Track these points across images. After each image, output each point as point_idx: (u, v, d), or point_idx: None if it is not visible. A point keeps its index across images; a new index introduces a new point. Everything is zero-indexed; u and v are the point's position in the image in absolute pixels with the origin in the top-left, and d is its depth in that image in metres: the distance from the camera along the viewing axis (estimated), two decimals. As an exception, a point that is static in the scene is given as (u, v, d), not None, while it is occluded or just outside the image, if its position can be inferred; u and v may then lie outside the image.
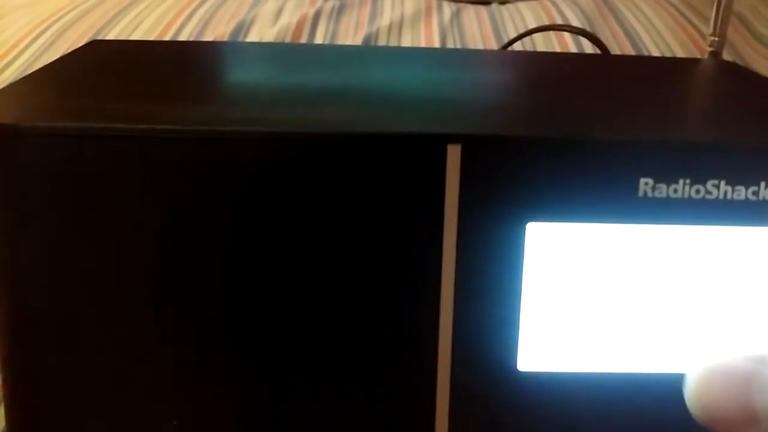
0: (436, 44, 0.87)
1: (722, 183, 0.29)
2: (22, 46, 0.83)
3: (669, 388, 0.30)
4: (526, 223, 0.29)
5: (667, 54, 0.86)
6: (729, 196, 0.29)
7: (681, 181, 0.29)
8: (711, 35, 0.46)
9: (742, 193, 0.29)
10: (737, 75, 0.43)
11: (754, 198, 0.29)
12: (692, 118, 0.33)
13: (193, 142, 0.28)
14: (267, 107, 0.32)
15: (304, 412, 0.30)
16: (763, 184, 0.29)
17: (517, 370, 0.30)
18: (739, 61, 0.87)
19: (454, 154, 0.28)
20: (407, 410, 0.31)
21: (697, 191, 0.29)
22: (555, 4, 0.97)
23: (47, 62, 0.78)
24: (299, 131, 0.28)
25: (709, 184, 0.29)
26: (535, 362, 0.30)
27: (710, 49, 0.46)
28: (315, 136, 0.28)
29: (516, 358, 0.30)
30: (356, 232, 0.29)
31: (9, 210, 0.29)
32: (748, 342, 0.30)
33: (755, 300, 0.30)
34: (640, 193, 0.29)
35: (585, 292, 0.30)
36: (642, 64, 0.45)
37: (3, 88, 0.33)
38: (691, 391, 0.25)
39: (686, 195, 0.29)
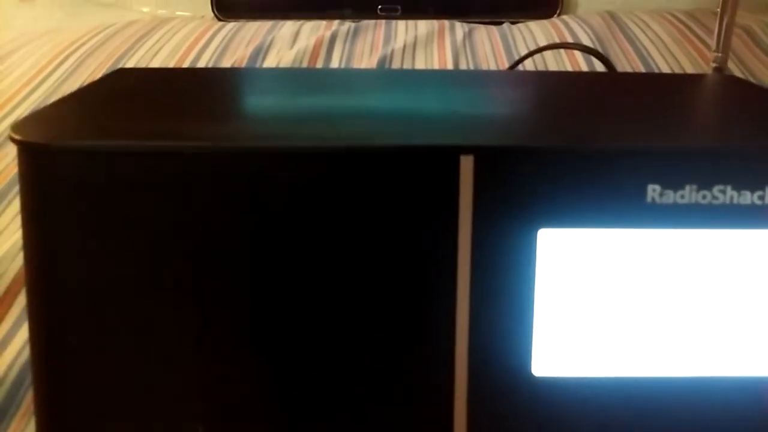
0: (449, 64, 0.88)
1: (728, 188, 0.29)
2: (45, 73, 0.84)
3: (681, 391, 0.31)
4: (537, 230, 0.30)
5: (676, 69, 0.86)
6: (735, 200, 0.30)
7: (688, 187, 0.29)
8: (714, 51, 0.47)
9: (747, 197, 0.30)
10: (740, 88, 0.43)
11: (759, 202, 0.30)
12: (697, 127, 0.34)
13: (214, 158, 0.29)
14: (285, 125, 0.33)
15: (324, 416, 0.31)
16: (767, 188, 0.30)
17: (533, 374, 0.31)
18: (748, 75, 0.88)
19: (466, 164, 0.29)
20: (425, 416, 0.31)
21: (704, 196, 0.29)
22: (566, 24, 0.98)
23: (70, 88, 0.79)
24: (317, 145, 0.29)
25: (716, 189, 0.29)
26: (549, 367, 0.31)
27: (714, 64, 0.47)
28: (333, 150, 0.29)
29: (531, 363, 0.31)
30: (373, 242, 0.30)
31: (43, 226, 0.30)
32: (761, 341, 0.31)
33: (763, 302, 0.30)
34: (648, 199, 0.29)
35: (596, 296, 0.30)
36: (648, 79, 0.46)
37: (35, 112, 0.34)
38: None
39: (693, 200, 0.29)
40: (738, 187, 0.29)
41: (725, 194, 0.29)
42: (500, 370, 0.31)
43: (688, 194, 0.29)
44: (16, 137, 0.29)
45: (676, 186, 0.29)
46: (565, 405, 0.31)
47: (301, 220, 0.29)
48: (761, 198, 0.30)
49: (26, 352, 0.48)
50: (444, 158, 0.29)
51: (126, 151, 0.29)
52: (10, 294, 0.53)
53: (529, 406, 0.31)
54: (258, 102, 0.38)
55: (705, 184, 0.29)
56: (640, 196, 0.29)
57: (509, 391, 0.31)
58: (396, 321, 0.30)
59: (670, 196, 0.29)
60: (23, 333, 0.50)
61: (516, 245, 0.30)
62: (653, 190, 0.29)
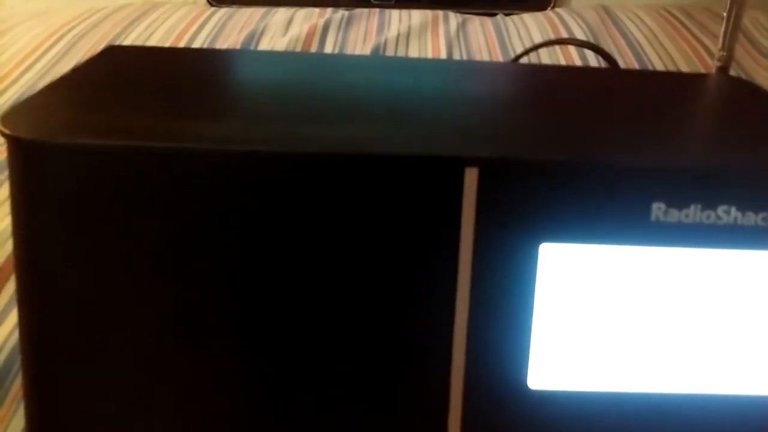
0: (443, 55, 0.88)
1: (733, 209, 0.29)
2: (36, 55, 0.84)
3: (676, 408, 0.31)
4: (539, 244, 0.30)
5: (669, 64, 0.87)
6: (739, 221, 0.30)
7: (692, 206, 0.29)
8: (720, 50, 0.47)
9: (751, 218, 0.30)
10: (746, 92, 0.43)
11: (763, 224, 0.30)
12: (703, 142, 0.34)
13: (210, 159, 0.29)
14: (287, 125, 0.32)
15: (321, 427, 0.31)
16: None
17: (528, 387, 0.31)
18: (741, 73, 0.88)
19: (471, 176, 0.29)
20: (421, 427, 0.31)
21: (708, 216, 0.29)
22: (559, 16, 0.98)
23: (61, 71, 0.78)
24: (318, 151, 0.29)
25: (720, 209, 0.29)
26: (545, 380, 0.31)
27: (718, 64, 0.47)
28: (334, 155, 0.29)
29: (527, 376, 0.31)
30: (375, 250, 0.30)
31: (30, 223, 0.29)
32: (759, 361, 0.31)
33: (763, 322, 0.31)
34: (653, 217, 0.29)
35: (596, 312, 0.30)
36: (652, 79, 0.46)
37: (23, 101, 0.33)
38: None
39: (697, 219, 0.29)
40: (742, 208, 0.30)
41: (729, 215, 0.30)
42: (496, 381, 0.31)
43: (693, 213, 0.29)
44: (6, 131, 0.29)
45: (681, 205, 0.29)
46: (559, 418, 0.32)
47: (300, 226, 0.29)
48: (765, 219, 0.30)
49: (14, 338, 0.48)
50: (449, 169, 0.29)
51: (118, 150, 0.28)
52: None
53: (524, 418, 0.31)
54: (254, 94, 0.38)
55: (709, 204, 0.29)
56: (645, 214, 0.29)
57: (504, 403, 0.31)
58: (394, 330, 0.30)
59: (675, 215, 0.29)
60: (11, 319, 0.49)
61: (517, 259, 0.30)
62: (658, 209, 0.29)
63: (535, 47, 0.73)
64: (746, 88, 0.44)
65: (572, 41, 0.79)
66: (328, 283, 0.30)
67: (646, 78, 0.47)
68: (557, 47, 0.88)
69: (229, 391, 0.31)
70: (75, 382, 0.31)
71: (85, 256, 0.29)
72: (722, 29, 0.48)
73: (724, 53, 0.48)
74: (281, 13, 0.96)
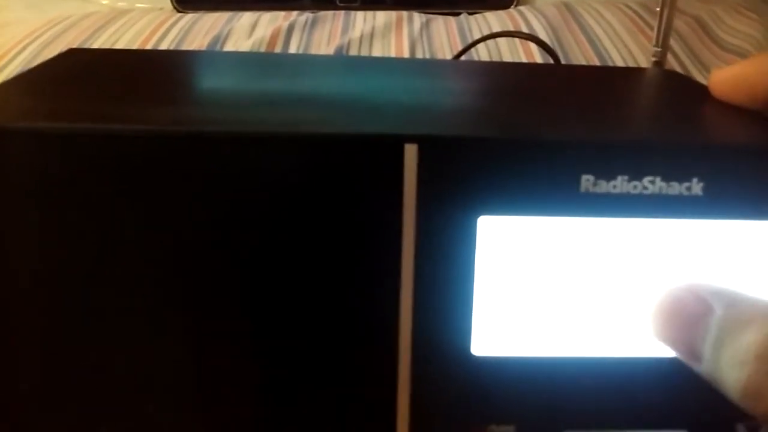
0: (406, 54, 0.89)
1: (657, 179, 0.31)
2: (3, 62, 0.84)
3: (610, 370, 0.33)
4: (477, 217, 0.31)
5: (627, 57, 0.88)
6: (664, 191, 0.31)
7: (619, 178, 0.30)
8: (654, 46, 0.49)
9: (675, 188, 0.31)
10: (676, 82, 0.45)
11: (686, 193, 0.31)
12: (631, 121, 0.35)
13: (164, 142, 0.29)
14: (233, 109, 0.33)
15: (264, 397, 0.32)
16: (695, 180, 0.31)
17: (471, 354, 0.32)
18: (700, 66, 0.90)
19: (411, 153, 0.30)
20: (372, 392, 0.32)
21: (635, 187, 0.31)
22: (521, 14, 0.99)
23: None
24: (263, 131, 0.30)
25: (646, 180, 0.31)
26: (487, 347, 0.32)
27: (654, 59, 0.49)
28: (279, 135, 0.30)
29: (470, 342, 0.32)
30: (320, 227, 0.30)
31: None
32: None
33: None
34: (582, 189, 0.31)
35: (533, 280, 0.32)
36: (589, 72, 0.47)
37: None
38: (651, 316, 0.30)
39: (624, 190, 0.31)
40: (666, 179, 0.31)
41: (655, 185, 0.31)
42: (442, 349, 0.32)
43: (620, 184, 0.31)
44: None
45: (609, 176, 0.30)
46: (500, 381, 0.33)
47: (246, 204, 0.30)
48: (688, 189, 0.31)
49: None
50: (389, 146, 0.30)
51: (80, 133, 0.29)
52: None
53: (469, 381, 0.32)
54: (209, 86, 0.39)
55: (636, 175, 0.31)
56: (575, 186, 0.31)
57: (450, 369, 0.32)
58: (344, 304, 0.31)
59: (603, 186, 0.31)
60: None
61: (457, 231, 0.31)
62: (587, 180, 0.30)
63: (474, 43, 0.75)
64: (678, 79, 0.45)
65: (512, 33, 0.81)
66: (273, 262, 0.31)
67: (584, 71, 0.48)
68: (519, 45, 0.89)
69: (175, 378, 0.32)
70: (35, 372, 0.31)
71: (46, 243, 0.30)
72: (656, 27, 0.50)
73: (659, 49, 0.50)
74: (246, 18, 0.96)
